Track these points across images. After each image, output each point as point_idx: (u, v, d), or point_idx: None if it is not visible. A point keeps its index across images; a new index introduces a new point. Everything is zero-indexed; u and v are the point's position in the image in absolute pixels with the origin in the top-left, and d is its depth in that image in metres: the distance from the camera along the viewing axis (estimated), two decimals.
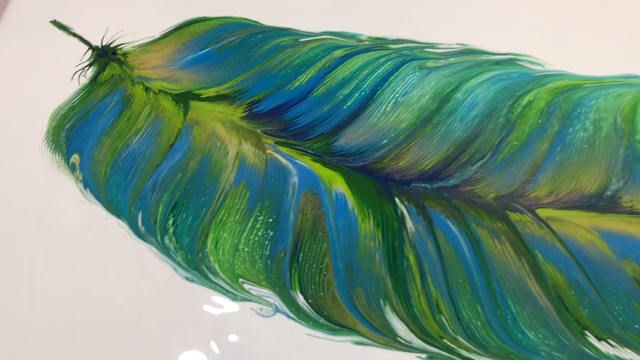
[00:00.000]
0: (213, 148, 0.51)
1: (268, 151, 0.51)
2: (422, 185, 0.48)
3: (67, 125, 0.53)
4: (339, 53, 0.58)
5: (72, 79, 0.57)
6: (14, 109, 0.54)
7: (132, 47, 0.60)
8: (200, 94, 0.55)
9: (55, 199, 0.49)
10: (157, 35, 0.61)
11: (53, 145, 0.52)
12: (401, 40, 0.60)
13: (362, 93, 0.55)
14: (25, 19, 0.64)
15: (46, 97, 0.55)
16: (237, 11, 0.63)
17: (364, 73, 0.57)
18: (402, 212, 0.46)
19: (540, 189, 0.48)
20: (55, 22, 0.63)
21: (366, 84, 0.56)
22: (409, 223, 0.46)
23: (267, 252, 0.45)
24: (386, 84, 0.55)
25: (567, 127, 0.51)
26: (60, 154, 0.51)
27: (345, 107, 0.54)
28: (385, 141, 0.51)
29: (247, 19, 0.62)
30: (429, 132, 0.51)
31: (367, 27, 0.61)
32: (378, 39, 0.60)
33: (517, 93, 0.54)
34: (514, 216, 0.46)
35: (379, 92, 0.55)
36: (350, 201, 0.47)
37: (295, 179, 0.48)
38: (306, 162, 0.50)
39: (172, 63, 0.58)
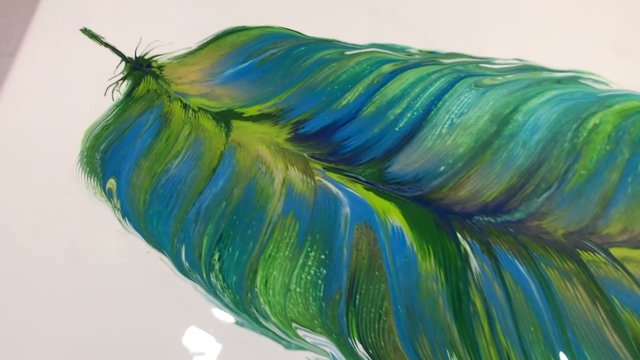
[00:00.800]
0: (258, 173, 0.46)
1: (317, 177, 0.46)
2: (486, 218, 0.44)
3: (102, 147, 0.49)
4: (387, 68, 0.54)
5: (105, 94, 0.53)
6: (43, 127, 0.50)
7: (168, 60, 0.56)
8: (243, 113, 0.51)
9: (91, 229, 0.45)
10: (194, 46, 0.57)
11: (88, 169, 0.48)
12: (454, 55, 0.55)
13: (415, 113, 0.50)
14: (53, 26, 0.60)
15: (78, 114, 0.51)
16: (277, 20, 0.58)
17: (416, 91, 0.52)
18: (465, 250, 0.42)
19: (613, 225, 0.43)
20: (85, 31, 0.58)
21: (419, 102, 0.51)
22: (474, 262, 0.42)
23: (321, 294, 0.41)
24: (440, 103, 0.51)
25: (638, 155, 0.46)
26: (95, 179, 0.47)
27: (397, 129, 0.49)
28: (442, 168, 0.46)
29: (288, 29, 0.58)
30: (490, 158, 0.47)
31: (417, 39, 0.57)
32: (429, 52, 0.55)
33: (581, 115, 0.50)
34: (585, 256, 0.42)
35: (432, 112, 0.50)
36: (408, 236, 0.43)
37: (347, 210, 0.44)
38: (358, 190, 0.46)
39: (211, 77, 0.54)
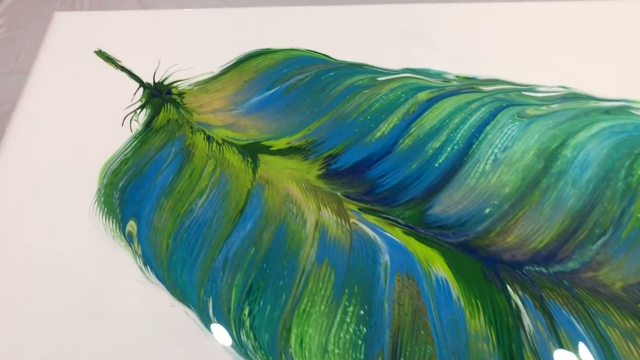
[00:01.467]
0: (289, 215, 0.42)
1: (352, 220, 0.42)
2: (537, 269, 0.40)
3: (121, 184, 0.45)
4: (423, 96, 0.50)
5: (122, 124, 0.49)
6: (55, 161, 0.46)
7: (189, 86, 0.52)
8: (270, 146, 0.47)
9: (111, 280, 0.41)
10: (216, 70, 0.53)
11: (106, 209, 0.44)
12: (494, 81, 0.51)
13: (455, 147, 0.46)
14: (65, 48, 0.56)
15: (94, 147, 0.47)
16: (303, 42, 0.54)
17: (455, 122, 0.48)
18: (516, 305, 0.38)
19: None
20: (100, 53, 0.54)
21: (459, 135, 0.47)
22: (527, 320, 0.37)
23: (362, 356, 0.37)
24: (482, 135, 0.47)
25: None
26: (114, 220, 0.43)
27: (437, 165, 0.45)
28: (488, 210, 0.42)
29: (316, 52, 0.53)
30: (538, 199, 0.43)
31: (453, 63, 0.52)
32: (467, 78, 0.51)
33: (635, 150, 0.45)
34: None
35: (474, 146, 0.46)
36: (455, 288, 0.39)
37: (386, 258, 0.40)
38: (397, 235, 0.41)
39: (236, 106, 0.50)
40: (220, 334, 0.37)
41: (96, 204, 0.44)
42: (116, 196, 0.45)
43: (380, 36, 0.55)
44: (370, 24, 0.55)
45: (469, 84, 0.51)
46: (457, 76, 0.52)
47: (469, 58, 0.53)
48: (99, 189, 0.45)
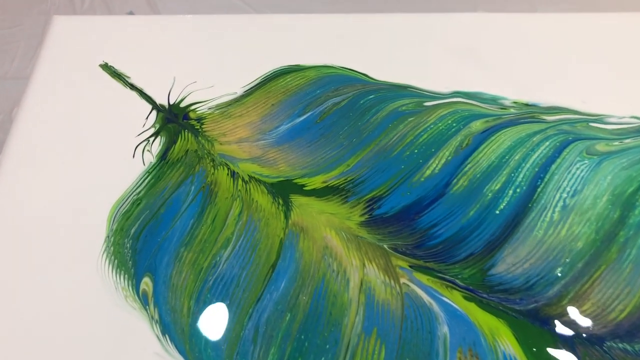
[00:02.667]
0: (328, 272, 0.36)
1: (402, 280, 0.35)
2: (620, 345, 0.33)
3: (133, 230, 0.38)
4: (478, 126, 0.42)
5: (134, 155, 0.41)
6: (56, 200, 0.39)
7: (209, 109, 0.44)
8: (304, 185, 0.40)
9: (122, 350, 0.34)
10: (239, 91, 0.45)
11: (116, 261, 0.37)
12: (557, 109, 0.43)
13: (518, 190, 0.39)
14: (65, 61, 0.48)
15: (100, 182, 0.40)
16: (337, 57, 0.46)
17: (516, 158, 0.41)
18: None
19: None
20: (106, 67, 0.47)
21: (521, 175, 0.40)
22: None
23: None
24: (547, 176, 0.40)
25: None
26: (126, 276, 0.36)
27: (498, 212, 0.38)
28: (559, 270, 0.36)
29: (352, 70, 0.46)
30: (616, 256, 0.36)
31: (509, 86, 0.45)
32: (526, 105, 0.44)
33: None
34: None
35: (539, 189, 0.39)
36: None
37: (445, 329, 0.33)
38: (456, 300, 0.35)
39: (263, 135, 0.42)
40: None
41: (105, 254, 0.37)
42: (128, 246, 0.38)
43: (424, 51, 0.47)
44: (411, 37, 0.48)
45: (529, 113, 0.44)
46: (515, 102, 0.44)
47: (527, 80, 0.45)
48: (108, 237, 0.38)
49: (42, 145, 0.42)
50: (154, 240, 0.38)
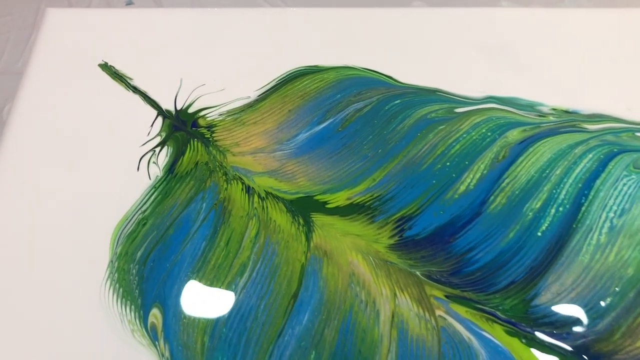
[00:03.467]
0: (356, 303, 0.32)
1: (438, 313, 0.32)
2: None
3: (139, 254, 0.34)
4: (515, 135, 0.38)
5: (138, 168, 0.37)
6: (53, 219, 0.35)
7: (220, 115, 0.40)
8: (326, 202, 0.36)
9: None
10: (253, 95, 0.40)
11: (121, 290, 0.33)
12: (600, 117, 0.39)
13: (561, 209, 0.35)
14: (59, 59, 0.43)
15: (101, 199, 0.36)
16: (358, 57, 0.42)
17: (557, 173, 0.37)
18: None
19: None
20: (106, 67, 0.42)
21: (563, 192, 0.36)
22: None
23: None
24: (592, 193, 0.36)
25: None
26: (133, 307, 0.32)
27: (539, 233, 0.34)
28: (608, 300, 0.32)
29: (375, 72, 0.42)
30: None
31: (547, 90, 0.41)
32: (566, 112, 0.39)
33: None
34: None
35: (584, 208, 0.35)
36: None
37: None
38: (497, 335, 0.31)
39: (280, 145, 0.38)
40: None
41: (109, 282, 0.33)
42: (134, 272, 0.34)
43: (453, 50, 0.42)
44: (439, 34, 0.43)
45: (570, 121, 0.39)
46: (553, 109, 0.40)
47: (567, 83, 0.41)
48: (112, 261, 0.34)
49: (34, 157, 0.38)
50: (162, 266, 0.34)
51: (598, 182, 0.37)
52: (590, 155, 0.38)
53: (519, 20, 0.44)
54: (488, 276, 0.34)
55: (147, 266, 0.34)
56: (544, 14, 0.44)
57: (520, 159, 0.38)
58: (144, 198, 0.37)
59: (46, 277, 0.34)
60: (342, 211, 0.36)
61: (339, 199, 0.37)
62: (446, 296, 0.33)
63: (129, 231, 0.35)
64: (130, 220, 0.36)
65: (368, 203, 0.36)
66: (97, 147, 0.39)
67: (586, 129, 0.39)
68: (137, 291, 0.34)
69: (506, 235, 0.35)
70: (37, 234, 0.35)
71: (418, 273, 0.34)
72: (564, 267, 0.34)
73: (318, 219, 0.36)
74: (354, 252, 0.35)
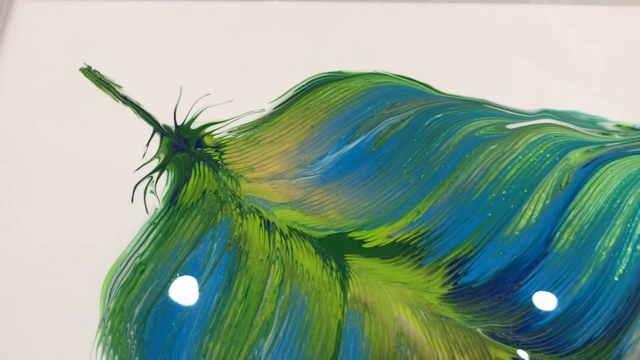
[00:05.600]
0: None
1: None
2: None
3: (137, 310, 0.27)
4: (577, 157, 0.32)
5: (132, 199, 0.30)
6: (27, 265, 0.27)
7: (230, 132, 0.33)
8: (363, 240, 0.29)
9: None
10: (268, 108, 0.33)
11: (116, 357, 0.26)
12: None
13: (638, 247, 0.29)
14: (32, 61, 0.35)
15: (87, 238, 0.28)
16: (390, 63, 0.35)
17: (630, 203, 0.31)
18: None
19: None
20: (88, 72, 0.34)
21: (639, 226, 0.30)
22: None
23: None
24: None
25: None
26: None
27: (616, 278, 0.29)
28: None
29: (410, 80, 0.35)
30: None
31: (610, 104, 0.34)
32: (634, 129, 0.33)
33: None
34: None
35: None
36: None
37: None
38: None
39: (303, 169, 0.31)
40: None
41: (100, 347, 0.26)
42: (132, 333, 0.26)
43: (501, 54, 0.36)
44: (485, 35, 0.36)
45: (638, 139, 0.33)
46: (618, 125, 0.34)
47: (633, 95, 0.34)
48: (104, 320, 0.27)
49: (10, 181, 0.30)
50: (167, 325, 0.27)
51: None
52: None
53: (576, 19, 0.38)
54: (562, 333, 0.28)
55: (147, 326, 0.27)
56: (607, 12, 0.38)
57: (586, 186, 0.32)
58: (141, 237, 0.29)
59: (22, 344, 0.26)
60: (383, 252, 0.30)
61: (378, 236, 0.30)
62: (514, 359, 0.27)
63: (124, 280, 0.28)
64: (125, 266, 0.29)
65: (413, 242, 0.30)
66: (80, 174, 0.31)
67: None
68: (136, 359, 0.26)
69: (578, 280, 0.29)
70: (8, 290, 0.28)
71: (479, 330, 0.28)
72: None
73: (354, 262, 0.29)
74: (400, 304, 0.28)
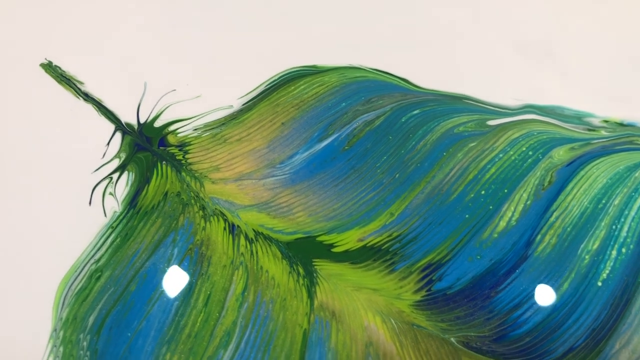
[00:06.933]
0: None
1: None
2: None
3: (92, 319, 0.25)
4: (561, 155, 0.30)
5: (90, 202, 0.28)
6: None
7: (195, 130, 0.31)
8: (332, 244, 0.28)
9: None
10: (237, 104, 0.32)
11: None
12: None
13: (624, 250, 0.28)
14: None
15: (40, 243, 0.27)
16: (365, 56, 0.34)
17: (616, 203, 0.29)
18: None
19: None
20: (49, 68, 0.33)
21: (625, 227, 0.29)
22: None
23: None
24: None
25: None
26: None
27: (600, 283, 0.27)
28: None
29: (386, 74, 0.33)
30: None
31: (597, 98, 0.33)
32: (622, 125, 0.32)
33: None
34: None
35: None
36: None
37: None
38: None
39: (272, 169, 0.30)
40: None
41: (51, 359, 0.24)
42: (84, 344, 0.25)
43: (484, 48, 0.34)
44: (466, 27, 0.34)
45: (626, 136, 0.32)
46: (605, 121, 0.32)
47: (621, 89, 0.33)
48: (55, 330, 0.25)
49: None
50: (122, 336, 0.25)
51: None
52: None
53: (564, 11, 0.36)
54: (540, 342, 0.26)
55: (102, 336, 0.26)
56: (595, 4, 0.36)
57: (570, 185, 0.30)
58: (98, 242, 0.28)
59: None
60: (353, 257, 0.28)
61: (349, 240, 0.28)
62: None
63: (79, 288, 0.27)
64: (80, 272, 0.27)
65: (386, 246, 0.28)
66: (35, 175, 0.29)
67: None
68: None
69: (559, 286, 0.27)
70: None
71: (453, 340, 0.26)
72: (633, 327, 0.27)
73: (323, 267, 0.28)
74: (370, 312, 0.27)
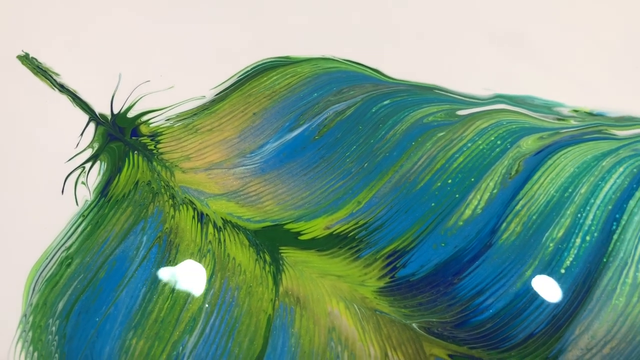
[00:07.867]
0: None
1: None
2: None
3: (61, 305, 0.26)
4: (530, 144, 0.31)
5: (62, 191, 0.29)
6: None
7: (167, 121, 0.32)
8: (299, 232, 0.28)
9: None
10: (209, 95, 0.32)
11: (36, 354, 0.25)
12: (632, 120, 0.33)
13: (588, 238, 0.28)
14: None
15: (12, 230, 0.27)
16: (338, 48, 0.34)
17: (582, 192, 0.30)
18: None
19: None
20: (25, 60, 0.33)
21: (590, 216, 0.29)
22: None
23: None
24: (625, 217, 0.29)
25: None
26: None
27: (563, 270, 0.27)
28: None
29: (359, 65, 0.33)
30: None
31: (568, 89, 0.33)
32: (591, 114, 0.32)
33: None
34: None
35: (616, 237, 0.29)
36: None
37: None
38: None
39: (242, 158, 0.30)
40: None
41: (20, 344, 0.25)
42: (53, 329, 0.26)
43: (455, 39, 0.34)
44: (437, 18, 0.35)
45: (595, 125, 0.32)
46: (575, 110, 0.33)
47: (591, 78, 0.33)
48: (25, 316, 0.26)
49: None
50: (90, 321, 0.26)
51: (632, 202, 0.30)
52: (621, 169, 0.31)
53: (536, 1, 0.36)
54: (501, 328, 0.27)
55: (70, 321, 0.26)
56: None
57: (537, 174, 0.31)
58: (69, 230, 0.28)
59: None
60: (320, 244, 0.29)
61: (316, 228, 0.29)
62: (450, 355, 0.26)
63: (49, 274, 0.27)
64: (51, 259, 0.28)
65: (352, 233, 0.29)
66: (9, 162, 0.30)
67: (615, 135, 0.32)
68: (56, 355, 0.26)
69: (522, 273, 0.28)
70: None
71: (415, 325, 0.27)
72: (594, 314, 0.27)
73: (289, 255, 0.28)
74: (334, 299, 0.27)
